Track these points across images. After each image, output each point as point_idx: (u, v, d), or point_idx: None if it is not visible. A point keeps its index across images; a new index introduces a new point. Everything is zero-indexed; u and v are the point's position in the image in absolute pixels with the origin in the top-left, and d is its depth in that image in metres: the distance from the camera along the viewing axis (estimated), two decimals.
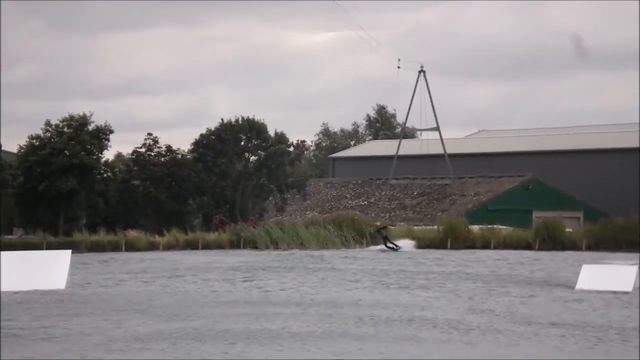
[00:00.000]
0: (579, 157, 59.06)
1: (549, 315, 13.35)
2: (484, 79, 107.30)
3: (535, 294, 16.82)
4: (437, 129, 59.21)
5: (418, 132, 66.63)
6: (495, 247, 36.57)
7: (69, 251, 19.43)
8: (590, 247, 34.80)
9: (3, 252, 22.57)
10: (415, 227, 43.04)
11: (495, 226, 39.71)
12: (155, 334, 11.14)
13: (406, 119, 61.63)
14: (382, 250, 34.75)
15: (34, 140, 49.38)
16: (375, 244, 37.27)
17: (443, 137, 59.18)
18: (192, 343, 10.41)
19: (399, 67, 56.84)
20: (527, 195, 56.03)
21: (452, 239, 37.70)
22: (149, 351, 9.91)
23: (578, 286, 18.24)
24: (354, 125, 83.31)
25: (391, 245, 35.68)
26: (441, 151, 58.23)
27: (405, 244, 36.51)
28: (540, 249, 35.59)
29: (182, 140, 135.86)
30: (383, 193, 61.03)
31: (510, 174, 58.06)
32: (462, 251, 34.13)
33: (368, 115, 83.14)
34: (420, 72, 58.83)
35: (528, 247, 36.50)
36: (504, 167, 58.94)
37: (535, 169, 57.90)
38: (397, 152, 59.72)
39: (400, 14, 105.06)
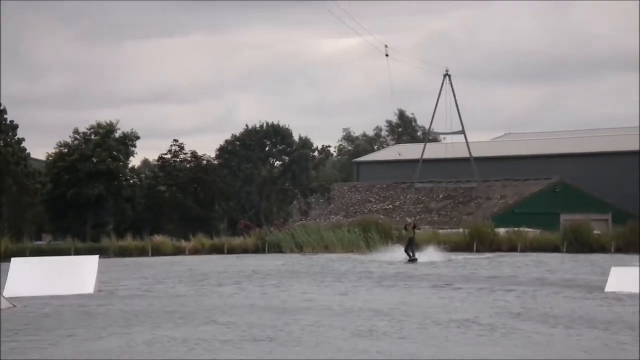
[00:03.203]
0: (607, 159, 58.28)
1: None
2: (510, 83, 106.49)
3: None
4: (463, 132, 58.88)
5: (442, 136, 66.30)
6: (522, 250, 36.26)
7: (97, 256, 19.66)
8: (619, 250, 34.33)
9: (34, 258, 22.95)
10: (441, 231, 42.80)
11: (522, 229, 39.37)
12: None
13: (431, 123, 61.36)
14: (410, 261, 28.03)
15: (62, 148, 50.13)
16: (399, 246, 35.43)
17: (469, 140, 58.80)
18: None
19: (387, 55, 54.91)
20: (554, 198, 55.43)
21: (478, 242, 37.44)
22: None
23: (607, 289, 18.04)
24: (375, 129, 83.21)
25: (410, 254, 28.68)
26: (467, 154, 57.85)
27: (429, 253, 29.75)
28: (568, 251, 35.22)
29: (207, 146, 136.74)
30: (408, 197, 60.82)
31: (537, 176, 57.49)
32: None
33: (388, 121, 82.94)
34: (445, 75, 58.60)
35: (555, 249, 36.14)
36: (531, 170, 58.39)
37: (563, 171, 57.27)
38: (422, 155, 59.45)
39: (423, 19, 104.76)
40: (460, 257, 30.59)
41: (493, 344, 10.57)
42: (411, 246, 28.82)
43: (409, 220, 31.95)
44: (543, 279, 21.60)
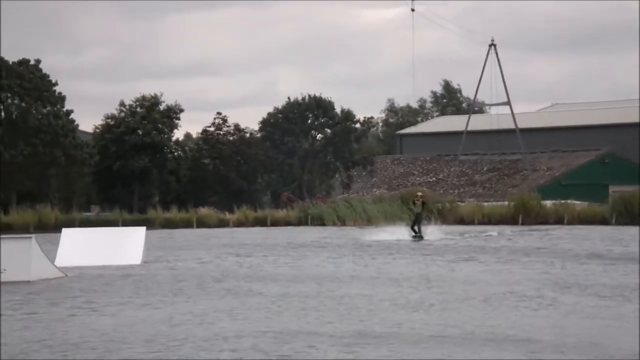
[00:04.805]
0: None
1: None
2: (557, 52, 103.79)
3: None
4: (508, 103, 57.83)
5: (487, 107, 65.27)
6: (569, 223, 35.62)
7: (144, 228, 19.93)
8: None
9: (83, 229, 23.45)
10: (485, 203, 42.33)
11: (569, 201, 38.66)
12: None
13: (476, 94, 60.50)
14: (415, 238, 25.56)
15: (109, 120, 50.92)
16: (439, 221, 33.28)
17: (514, 111, 57.74)
18: None
19: (413, 10, 55.80)
20: (603, 169, 54.21)
21: (524, 214, 36.92)
22: None
23: None
24: (419, 101, 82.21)
25: (416, 229, 25.94)
26: (512, 126, 56.89)
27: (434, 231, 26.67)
28: (617, 223, 34.45)
29: (250, 119, 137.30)
30: (452, 169, 60.19)
31: (585, 147, 56.24)
32: None
33: (433, 92, 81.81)
34: (490, 45, 57.47)
35: (604, 222, 35.41)
36: (579, 141, 57.12)
37: (612, 142, 55.86)
38: (466, 127, 58.65)
39: None
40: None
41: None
42: (418, 222, 26.22)
43: (419, 193, 28.28)
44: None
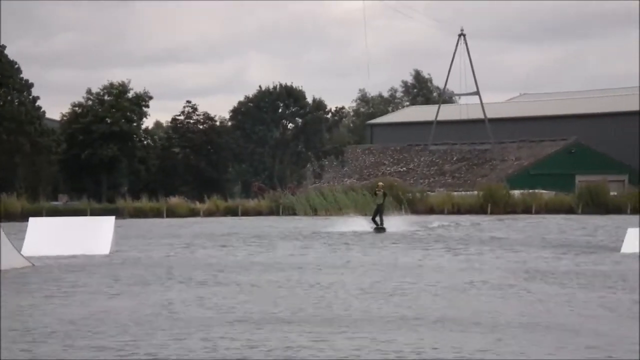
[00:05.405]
0: (624, 119, 57.63)
1: None
2: (526, 42, 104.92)
3: None
4: (477, 93, 58.36)
5: (457, 97, 65.80)
6: (537, 212, 36.18)
7: (113, 217, 19.76)
8: (635, 211, 34.14)
9: (51, 218, 23.16)
10: (455, 193, 42.77)
11: (537, 191, 39.28)
12: None
13: (445, 84, 60.92)
14: (377, 230, 24.50)
15: (77, 108, 50.22)
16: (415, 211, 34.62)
17: (483, 101, 58.31)
18: None
19: None
20: (570, 159, 55.11)
21: (492, 204, 37.39)
22: None
23: (623, 250, 17.95)
24: (390, 90, 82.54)
25: (377, 221, 24.70)
26: (481, 116, 57.45)
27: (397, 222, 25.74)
28: (584, 212, 35.09)
29: (220, 107, 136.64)
30: (422, 159, 60.64)
31: (552, 137, 57.11)
32: None
33: (404, 82, 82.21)
34: (460, 35, 57.88)
35: (570, 211, 36.04)
36: (547, 131, 57.96)
37: (579, 132, 56.78)
38: (436, 117, 59.09)
39: None
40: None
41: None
42: (380, 213, 24.87)
43: (380, 184, 27.07)
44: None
